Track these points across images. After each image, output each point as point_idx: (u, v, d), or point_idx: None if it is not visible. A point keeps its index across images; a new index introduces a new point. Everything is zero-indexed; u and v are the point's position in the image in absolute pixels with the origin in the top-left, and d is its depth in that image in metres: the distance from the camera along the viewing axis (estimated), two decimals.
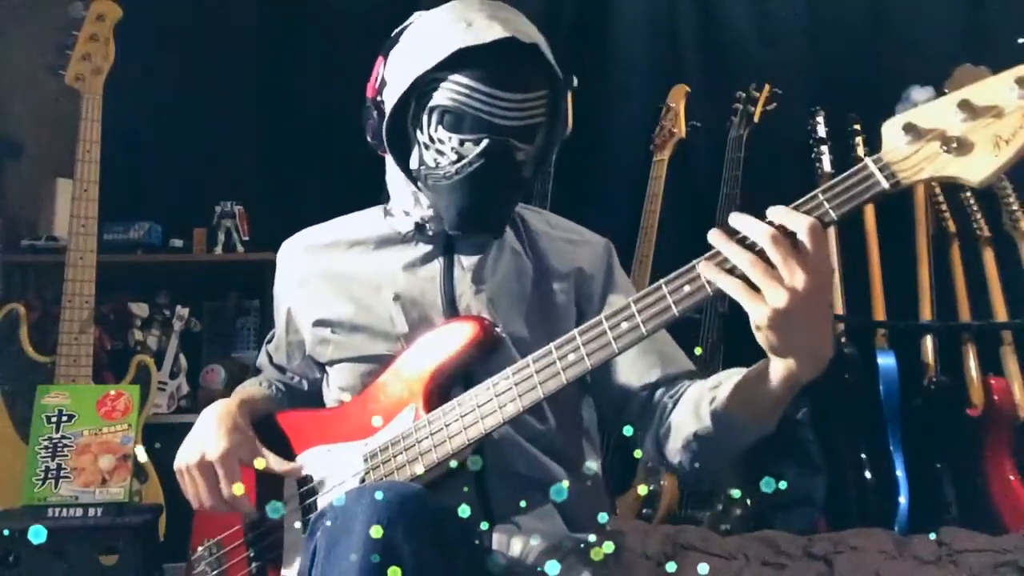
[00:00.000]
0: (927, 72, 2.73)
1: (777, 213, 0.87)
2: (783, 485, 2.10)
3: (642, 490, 2.39)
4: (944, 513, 2.36)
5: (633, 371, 1.18)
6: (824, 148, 2.76)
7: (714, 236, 0.88)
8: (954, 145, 0.84)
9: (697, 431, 1.06)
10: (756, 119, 2.73)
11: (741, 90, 2.77)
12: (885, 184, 0.86)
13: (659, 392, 1.16)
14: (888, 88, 2.76)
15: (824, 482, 2.39)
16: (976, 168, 0.83)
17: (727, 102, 2.79)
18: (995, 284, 2.58)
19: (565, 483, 0.98)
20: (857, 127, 2.78)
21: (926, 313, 2.58)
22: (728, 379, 1.04)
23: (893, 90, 2.75)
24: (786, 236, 0.85)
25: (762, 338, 0.89)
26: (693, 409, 1.08)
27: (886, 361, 2.49)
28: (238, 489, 1.10)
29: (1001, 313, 2.54)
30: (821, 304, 0.87)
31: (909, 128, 0.86)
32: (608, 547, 0.96)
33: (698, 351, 2.19)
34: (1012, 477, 2.38)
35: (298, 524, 1.14)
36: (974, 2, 2.89)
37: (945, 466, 2.44)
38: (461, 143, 1.11)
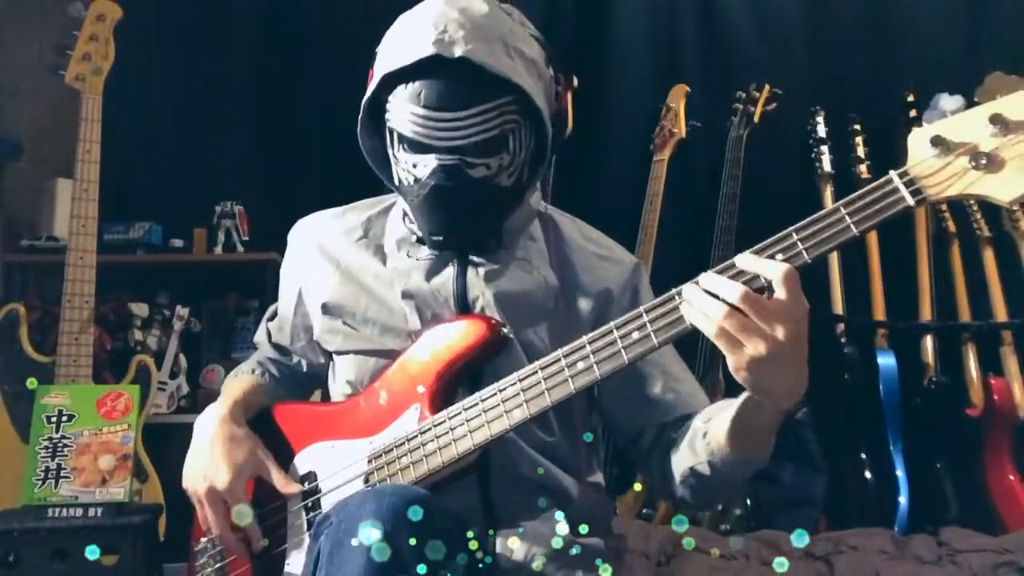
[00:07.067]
0: (927, 71, 2.73)
1: (746, 261, 0.87)
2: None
3: (638, 487, 2.38)
4: (944, 513, 2.35)
5: (650, 408, 1.18)
6: (824, 148, 2.75)
7: (688, 291, 0.89)
8: (983, 161, 0.80)
9: (693, 466, 1.07)
10: (756, 119, 2.72)
11: (741, 90, 2.77)
12: (911, 201, 0.82)
13: (671, 428, 1.16)
14: (888, 88, 2.77)
15: (824, 482, 2.39)
16: (1007, 187, 0.80)
17: (727, 102, 2.79)
18: (995, 284, 2.58)
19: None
20: (857, 127, 2.77)
21: (926, 313, 2.58)
22: (718, 412, 1.05)
23: (893, 90, 2.75)
24: (758, 291, 0.85)
25: (740, 379, 0.89)
26: (689, 445, 1.09)
27: (886, 361, 2.49)
28: (247, 517, 1.11)
29: (1001, 313, 2.54)
30: (798, 347, 0.87)
31: (938, 141, 0.82)
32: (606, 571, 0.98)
33: None
34: (1012, 477, 2.37)
35: (301, 520, 1.14)
36: (974, 1, 2.89)
37: (945, 466, 2.44)
38: (414, 165, 1.12)
